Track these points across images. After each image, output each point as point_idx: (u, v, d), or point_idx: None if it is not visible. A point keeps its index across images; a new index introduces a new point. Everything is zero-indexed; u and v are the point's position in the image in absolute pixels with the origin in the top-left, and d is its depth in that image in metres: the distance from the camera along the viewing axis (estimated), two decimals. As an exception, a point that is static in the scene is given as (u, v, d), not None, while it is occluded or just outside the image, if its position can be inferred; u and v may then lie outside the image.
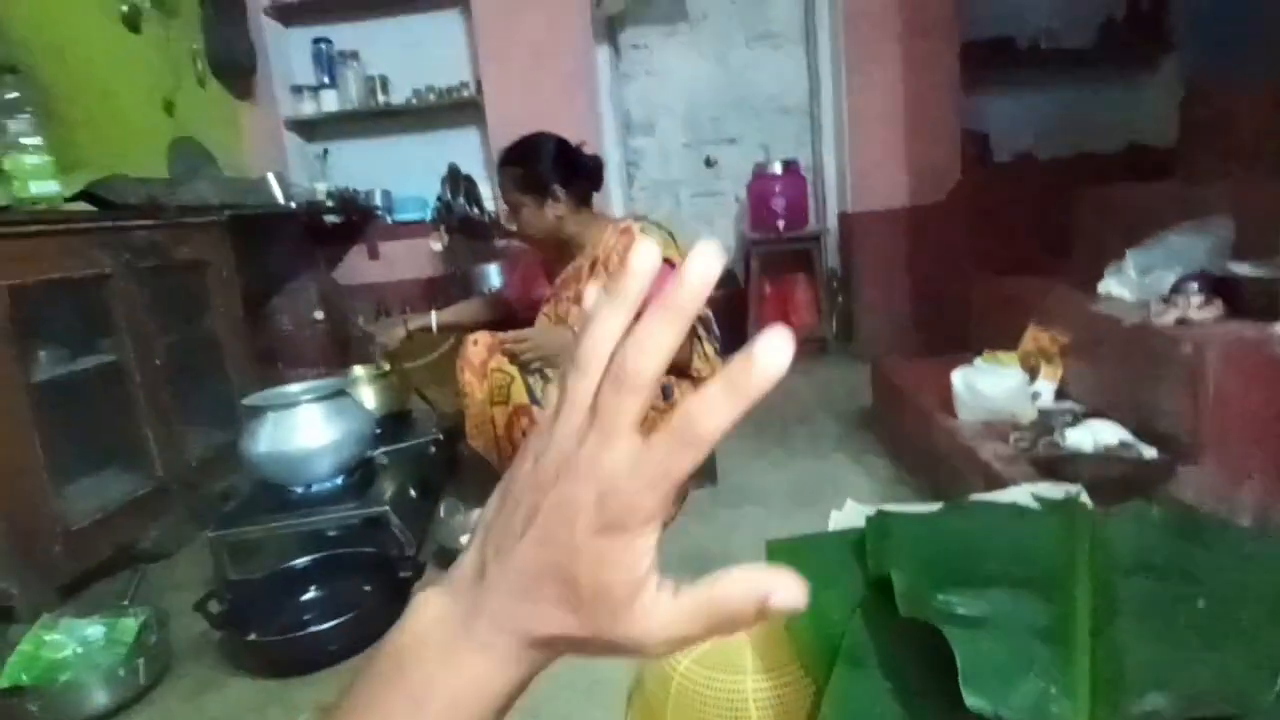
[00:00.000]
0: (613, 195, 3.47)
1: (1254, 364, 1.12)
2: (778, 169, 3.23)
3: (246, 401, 1.59)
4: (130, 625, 1.32)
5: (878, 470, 1.88)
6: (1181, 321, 1.26)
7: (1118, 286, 1.57)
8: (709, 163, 3.63)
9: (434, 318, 2.08)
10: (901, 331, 3.27)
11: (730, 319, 3.39)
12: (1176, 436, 1.20)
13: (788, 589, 0.24)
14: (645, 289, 0.25)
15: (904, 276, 3.25)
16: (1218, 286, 1.29)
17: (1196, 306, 1.26)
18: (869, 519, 0.92)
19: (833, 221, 3.46)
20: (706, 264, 0.23)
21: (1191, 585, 0.61)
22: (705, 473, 1.90)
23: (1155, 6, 3.09)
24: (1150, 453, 1.21)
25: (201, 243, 2.10)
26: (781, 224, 3.22)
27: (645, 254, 0.25)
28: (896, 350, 3.16)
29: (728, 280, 3.44)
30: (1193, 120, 1.71)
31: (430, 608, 0.27)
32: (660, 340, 0.23)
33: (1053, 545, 0.70)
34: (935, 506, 1.00)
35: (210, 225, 2.16)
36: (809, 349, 3.34)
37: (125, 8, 2.46)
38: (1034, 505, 0.95)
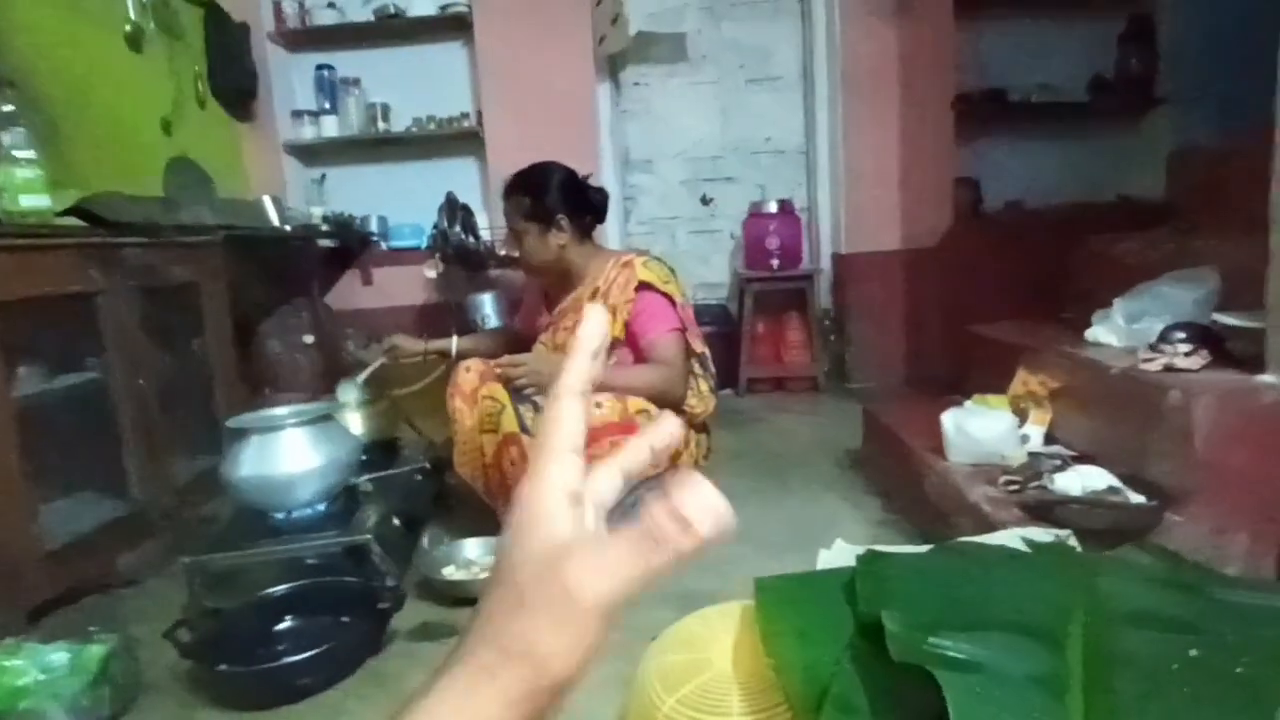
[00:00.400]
0: (610, 230, 3.49)
1: (1240, 414, 1.13)
2: (773, 208, 3.28)
3: (230, 423, 1.57)
4: (97, 653, 1.27)
5: (868, 510, 1.87)
6: (1169, 369, 1.27)
7: (1106, 333, 1.58)
8: (705, 201, 3.67)
9: (455, 342, 2.07)
10: (893, 372, 3.29)
11: (724, 356, 3.41)
12: (1164, 484, 1.20)
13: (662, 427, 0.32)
14: (597, 350, 0.31)
15: (896, 318, 3.28)
16: (1204, 336, 1.31)
17: (1183, 355, 1.27)
18: (860, 559, 0.90)
19: (826, 262, 3.50)
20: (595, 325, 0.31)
21: (1185, 635, 0.60)
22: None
23: (1144, 66, 3.18)
24: (1138, 499, 1.21)
25: (194, 264, 2.09)
26: (776, 263, 3.25)
27: (593, 320, 0.32)
28: (888, 391, 3.17)
29: (722, 318, 3.46)
30: (1180, 175, 1.75)
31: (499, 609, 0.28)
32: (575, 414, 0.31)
33: (1047, 592, 0.69)
34: (926, 548, 0.99)
35: (204, 246, 2.15)
36: (801, 387, 3.34)
37: (128, 27, 2.49)
38: (1025, 549, 0.94)
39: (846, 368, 3.37)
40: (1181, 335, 1.31)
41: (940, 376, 2.54)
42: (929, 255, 3.20)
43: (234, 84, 3.03)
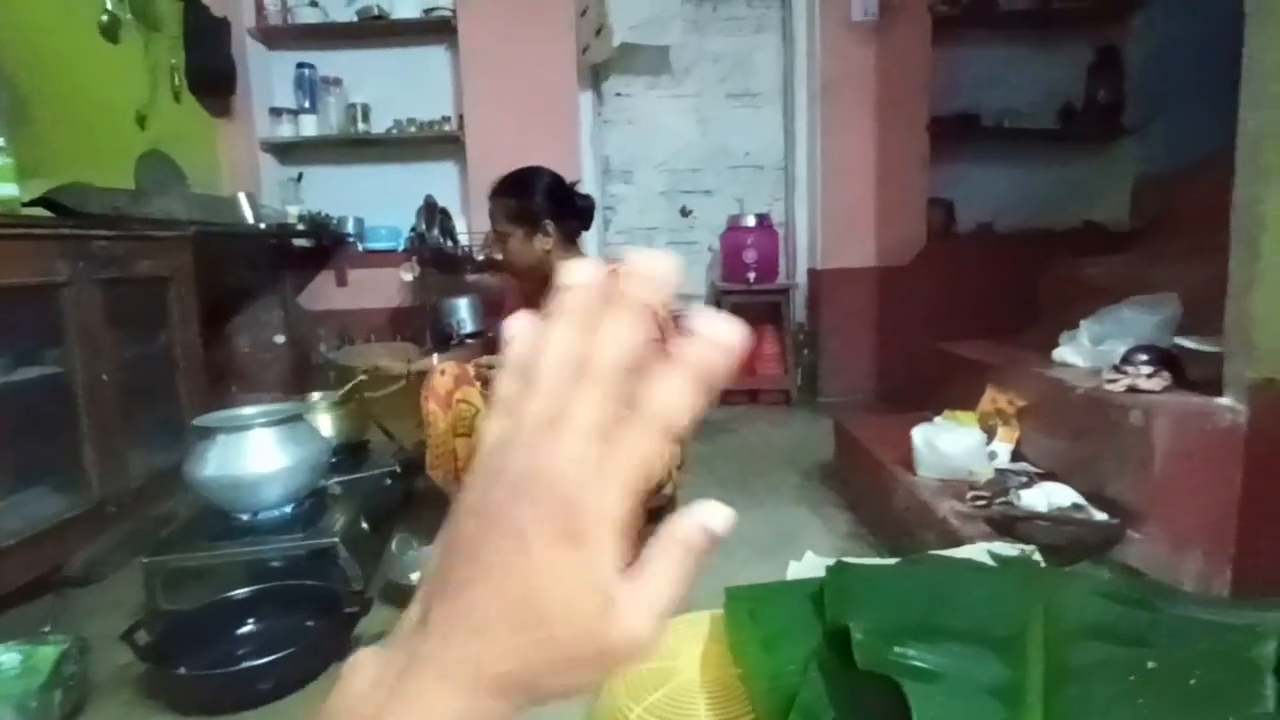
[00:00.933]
0: (589, 238, 3.50)
1: (1197, 435, 1.17)
2: (751, 222, 3.31)
3: (197, 422, 1.54)
4: (48, 654, 1.23)
5: (837, 523, 1.89)
6: (1132, 390, 1.30)
7: (1072, 354, 1.63)
8: (684, 212, 3.70)
9: (435, 362, 2.04)
10: (865, 387, 3.33)
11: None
12: (1125, 502, 1.23)
13: (716, 515, 0.24)
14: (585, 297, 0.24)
15: (869, 334, 3.33)
16: (1165, 359, 1.35)
17: (1145, 376, 1.31)
18: (829, 569, 0.92)
19: (802, 277, 3.54)
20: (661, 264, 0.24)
21: (1141, 648, 0.62)
22: (669, 516, 1.89)
23: (1112, 97, 3.29)
24: (1101, 516, 1.24)
25: (163, 258, 2.05)
26: (752, 275, 3.28)
27: (574, 269, 0.25)
28: (859, 405, 3.21)
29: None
30: (1144, 203, 1.81)
31: (360, 673, 0.23)
32: (620, 332, 0.22)
33: (1009, 605, 0.71)
34: (893, 560, 1.00)
35: (174, 241, 2.11)
36: (773, 400, 3.37)
37: (104, 17, 2.44)
38: (990, 563, 0.96)
39: (819, 381, 3.41)
40: (1144, 358, 1.36)
41: (911, 392, 2.58)
42: (902, 273, 3.26)
43: (211, 78, 2.99)
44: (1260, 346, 1.15)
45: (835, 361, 3.38)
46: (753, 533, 1.83)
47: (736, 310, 3.33)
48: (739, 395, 3.40)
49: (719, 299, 3.37)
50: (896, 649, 0.65)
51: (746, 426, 2.99)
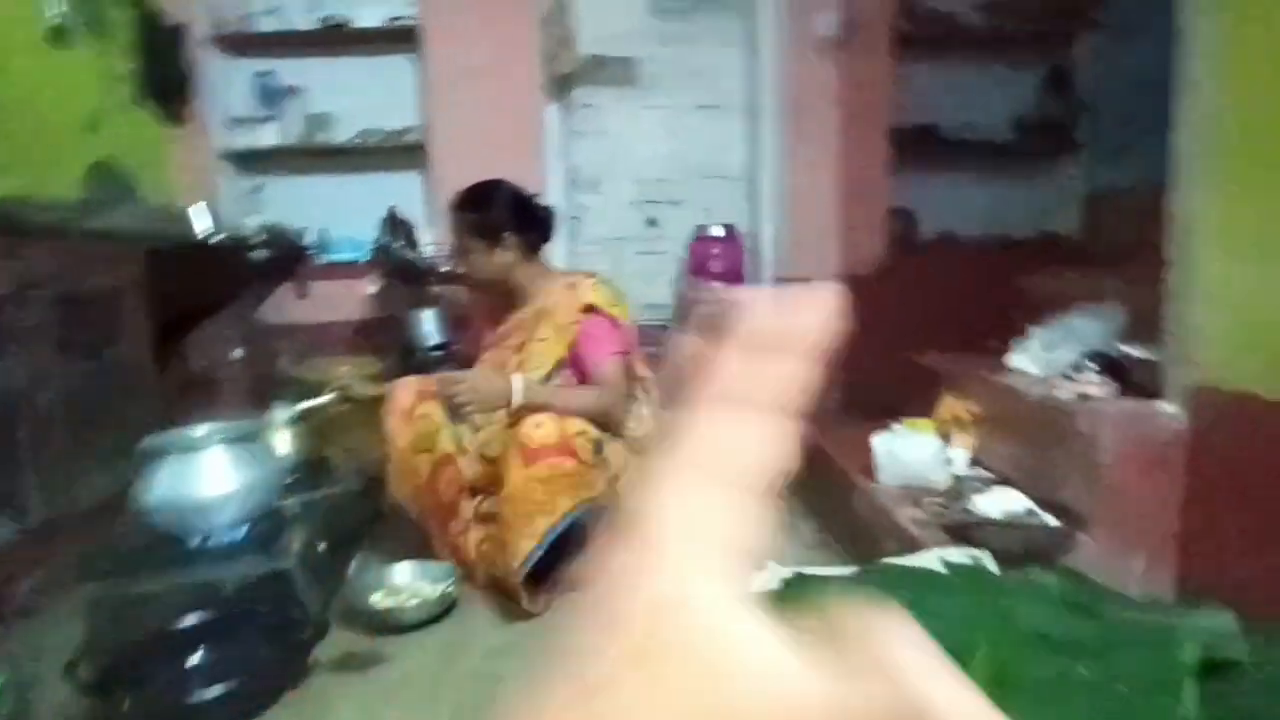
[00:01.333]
0: (557, 249, 3.49)
1: (1141, 440, 1.20)
2: (718, 232, 3.34)
3: (144, 444, 1.49)
4: (-18, 690, 1.18)
5: (803, 533, 1.90)
6: (1081, 397, 1.34)
7: (1025, 362, 1.66)
8: (652, 222, 3.71)
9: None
10: (828, 395, 3.37)
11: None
12: (1074, 506, 1.26)
13: None
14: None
15: (832, 342, 3.36)
16: (1112, 366, 1.38)
17: (1093, 383, 1.34)
18: (783, 583, 0.92)
19: (767, 286, 3.57)
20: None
21: (1078, 657, 0.63)
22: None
23: (1063, 113, 3.38)
24: (1052, 521, 1.27)
25: (111, 273, 1.99)
26: (719, 285, 3.30)
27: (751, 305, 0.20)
28: (823, 413, 3.24)
29: (665, 338, 3.49)
30: (1094, 216, 1.86)
31: None
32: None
33: (955, 614, 0.71)
34: (850, 570, 1.01)
35: (123, 255, 2.05)
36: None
37: (52, 21, 2.37)
38: (943, 570, 0.98)
39: (786, 390, 3.44)
40: (1093, 365, 1.39)
41: (874, 400, 2.61)
42: (865, 282, 3.30)
43: (166, 86, 2.93)
44: (1196, 354, 1.18)
45: (801, 370, 3.41)
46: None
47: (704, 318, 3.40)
48: (707, 404, 3.41)
49: (686, 307, 3.39)
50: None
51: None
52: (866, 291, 3.49)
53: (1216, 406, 1.14)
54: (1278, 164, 1.06)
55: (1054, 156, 3.45)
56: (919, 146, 3.45)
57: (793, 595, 0.82)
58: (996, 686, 0.62)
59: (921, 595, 0.79)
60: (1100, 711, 0.56)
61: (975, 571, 0.92)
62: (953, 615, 0.72)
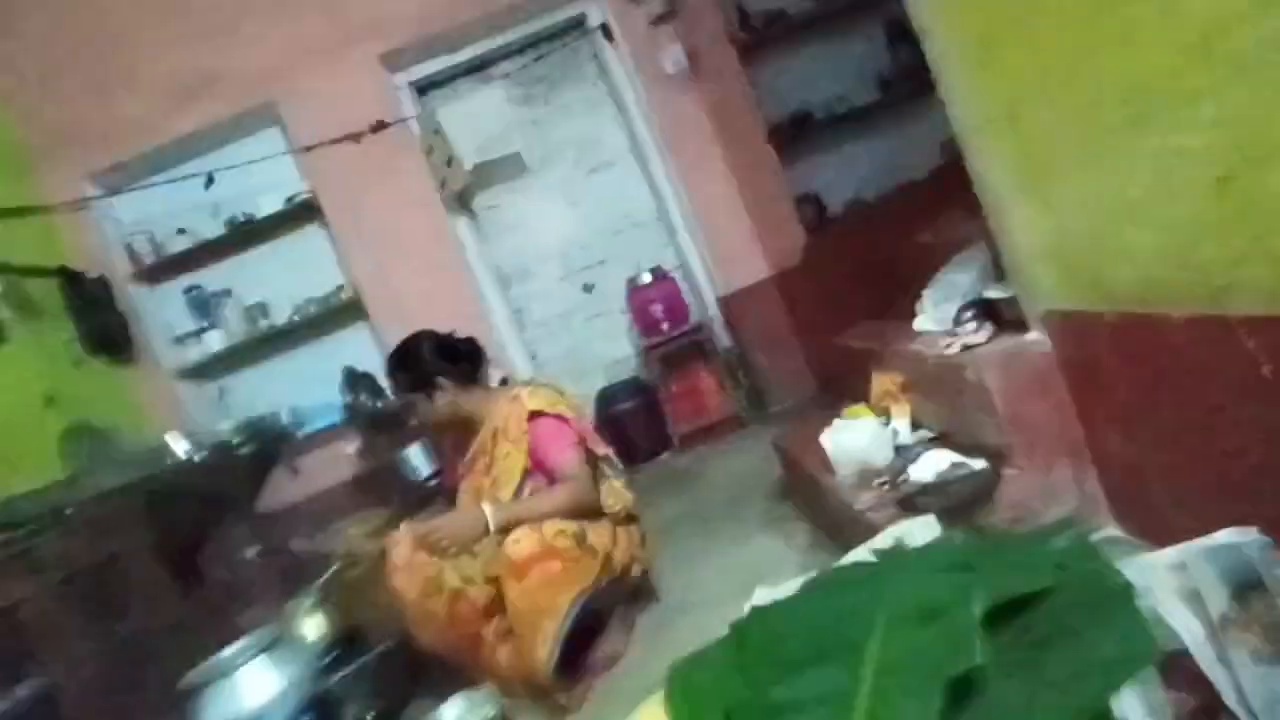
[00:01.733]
0: (508, 344, 3.66)
1: (1021, 372, 1.33)
2: (648, 278, 3.50)
3: (183, 683, 1.61)
4: None
5: (797, 538, 2.00)
6: (966, 348, 1.47)
7: (927, 322, 1.79)
8: (587, 288, 3.88)
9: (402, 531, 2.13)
10: (806, 390, 3.49)
11: (649, 423, 3.56)
12: (992, 446, 1.38)
13: None
14: None
15: (789, 339, 3.50)
16: (987, 311, 1.52)
17: (973, 332, 1.47)
18: (739, 620, 1.03)
19: (713, 309, 3.72)
20: None
21: (947, 621, 0.75)
22: (646, 594, 1.99)
23: (915, 61, 3.57)
24: (978, 466, 1.39)
25: (111, 534, 2.13)
26: (666, 325, 3.45)
27: None
28: (801, 410, 3.36)
29: (639, 390, 3.62)
30: (951, 160, 2.00)
31: None
32: None
33: (855, 607, 0.82)
34: (798, 590, 1.12)
35: (118, 512, 2.19)
36: (727, 428, 3.50)
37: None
38: (873, 560, 1.09)
39: (765, 396, 3.56)
40: (969, 315, 1.52)
41: (837, 389, 2.72)
42: (796, 273, 3.46)
43: (107, 336, 3.11)
44: (1034, 286, 1.32)
45: (771, 375, 3.54)
46: (727, 573, 1.94)
47: (666, 360, 3.54)
48: (696, 435, 3.53)
49: (646, 355, 3.54)
50: (772, 693, 0.77)
51: (705, 465, 3.11)
52: (798, 281, 3.60)
53: (1062, 329, 1.27)
54: (1025, 96, 1.19)
55: (921, 100, 3.63)
56: (800, 133, 3.64)
57: (742, 634, 0.93)
58: (884, 671, 0.73)
59: (836, 598, 0.91)
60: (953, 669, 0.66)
61: (893, 552, 1.04)
62: (851, 609, 0.83)
